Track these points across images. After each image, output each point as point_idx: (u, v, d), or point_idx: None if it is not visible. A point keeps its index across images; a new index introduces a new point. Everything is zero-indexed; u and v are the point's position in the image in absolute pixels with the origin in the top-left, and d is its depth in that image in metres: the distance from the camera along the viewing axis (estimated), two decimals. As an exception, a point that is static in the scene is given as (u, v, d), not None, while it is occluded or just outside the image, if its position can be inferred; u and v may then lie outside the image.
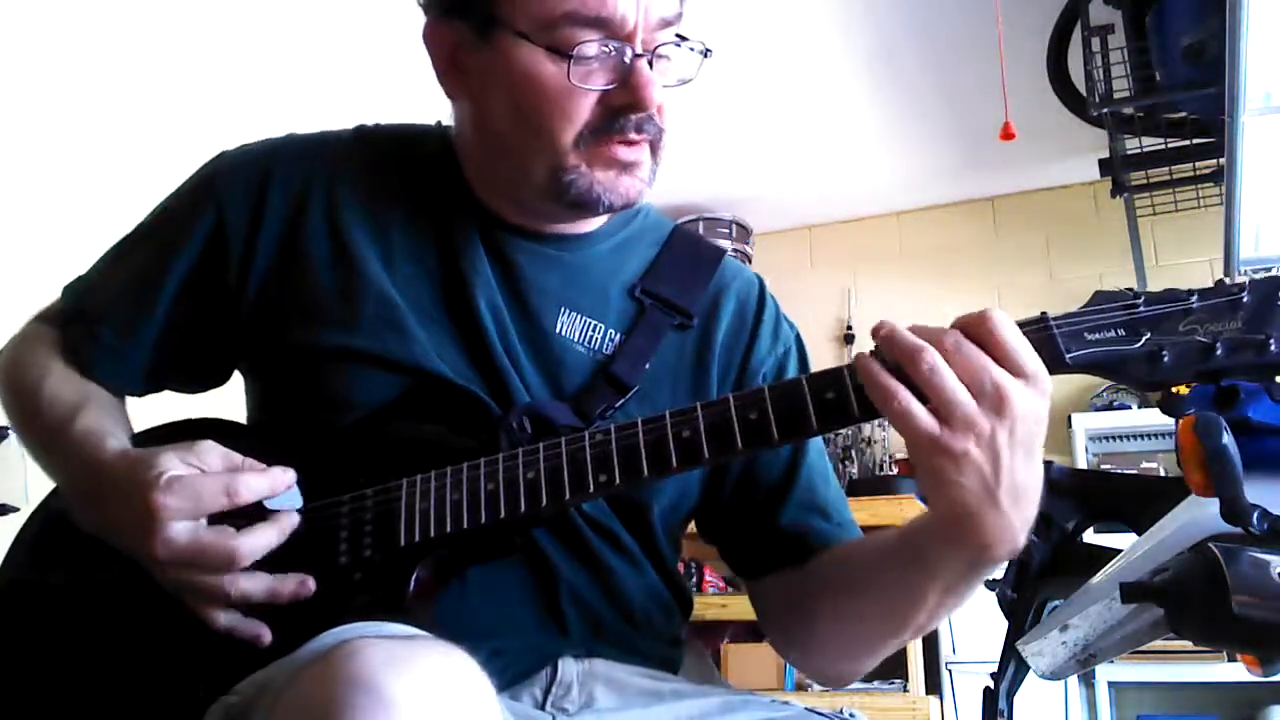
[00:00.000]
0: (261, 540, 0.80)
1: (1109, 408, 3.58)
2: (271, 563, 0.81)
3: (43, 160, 2.83)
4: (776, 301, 1.06)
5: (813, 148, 3.69)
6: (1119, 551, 1.26)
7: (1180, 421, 0.80)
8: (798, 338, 1.06)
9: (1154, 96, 2.60)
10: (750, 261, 4.06)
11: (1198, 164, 2.98)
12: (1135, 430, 3.56)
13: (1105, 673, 3.19)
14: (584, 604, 0.91)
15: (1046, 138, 3.37)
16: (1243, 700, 3.17)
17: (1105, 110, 2.67)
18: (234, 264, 0.94)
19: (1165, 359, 0.72)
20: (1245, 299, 0.73)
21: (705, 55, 0.92)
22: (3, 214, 2.71)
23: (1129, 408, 3.55)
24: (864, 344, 3.51)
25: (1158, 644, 1.02)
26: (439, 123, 1.04)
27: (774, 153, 3.70)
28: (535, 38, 0.85)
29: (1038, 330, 0.74)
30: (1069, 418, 3.57)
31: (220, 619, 0.80)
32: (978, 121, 3.36)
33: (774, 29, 2.94)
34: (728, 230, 3.99)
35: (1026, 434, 0.71)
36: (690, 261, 1.02)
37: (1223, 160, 2.64)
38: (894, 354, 0.72)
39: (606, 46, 0.86)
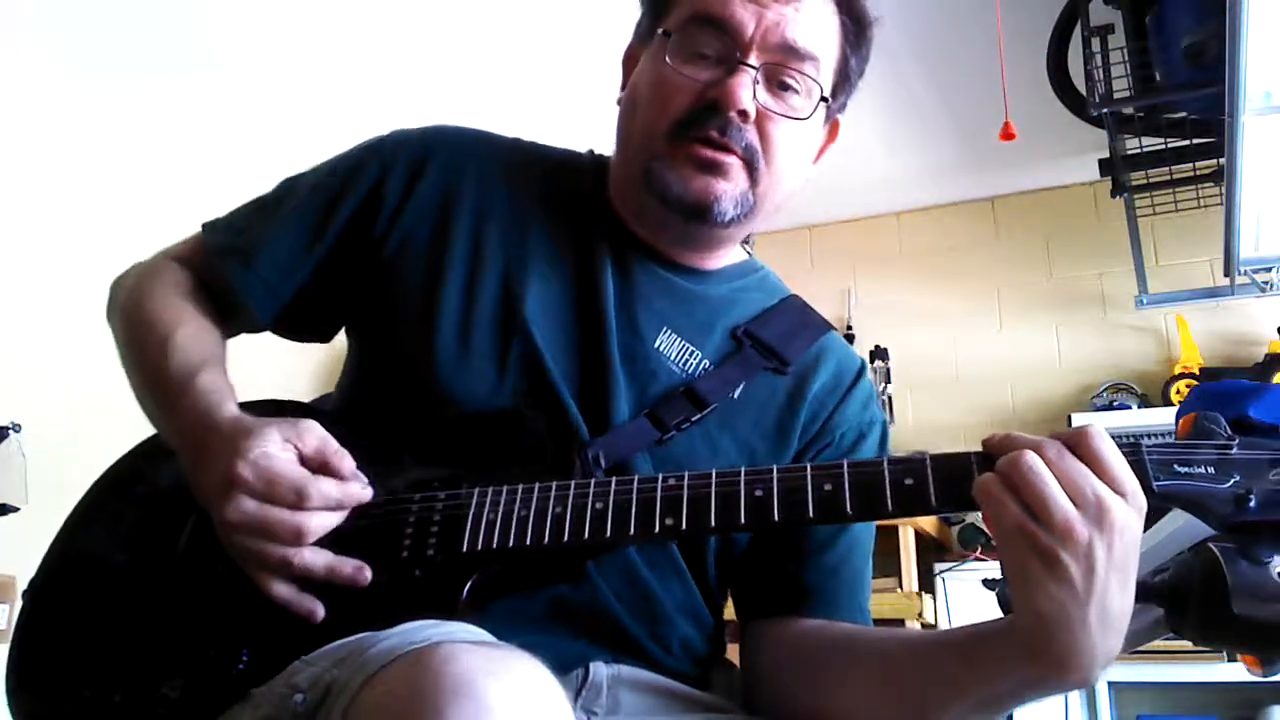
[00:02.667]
0: (330, 519, 0.82)
1: (1109, 408, 3.58)
2: (337, 545, 0.82)
3: (44, 162, 2.83)
4: (874, 387, 1.09)
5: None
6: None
7: (1180, 420, 0.80)
8: (884, 424, 1.07)
9: (1154, 96, 2.61)
10: (750, 261, 4.06)
11: (1198, 164, 2.98)
12: (1135, 430, 3.57)
13: (1105, 673, 3.18)
14: (618, 622, 0.91)
15: (1046, 138, 3.38)
16: (1243, 700, 3.17)
17: (1105, 110, 2.67)
18: (383, 222, 1.00)
19: (1251, 504, 0.72)
20: None
21: (824, 101, 0.97)
22: (6, 215, 2.71)
23: (1129, 408, 3.55)
24: (864, 344, 3.48)
25: (1158, 644, 1.02)
26: (590, 151, 1.12)
27: (774, 153, 3.70)
28: (671, 36, 0.95)
29: (1130, 453, 0.73)
30: (1069, 418, 3.57)
31: (278, 589, 0.81)
32: (978, 121, 3.36)
33: (774, 29, 2.94)
34: (728, 230, 3.99)
35: (1123, 554, 0.70)
36: (798, 323, 1.05)
37: (1223, 160, 2.65)
38: (994, 453, 0.72)
39: (723, 52, 0.93)
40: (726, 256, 1.06)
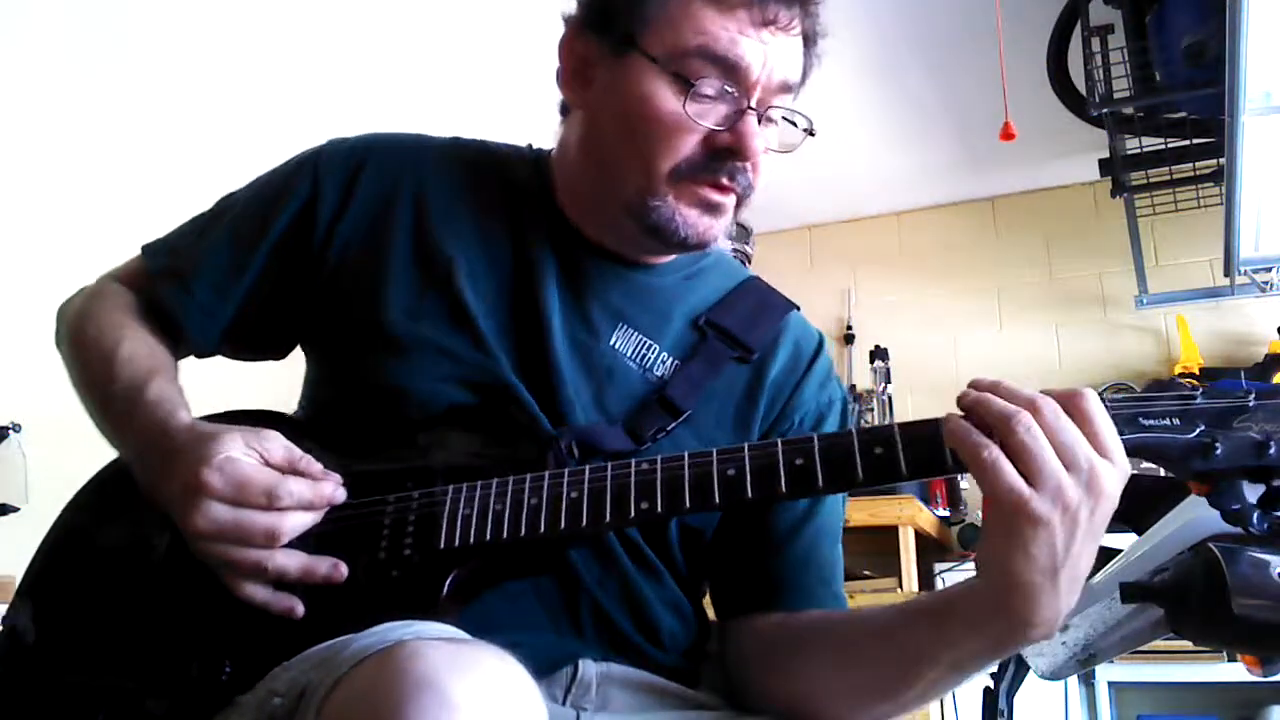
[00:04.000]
0: (303, 519, 0.82)
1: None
2: (313, 550, 0.82)
3: (46, 166, 2.83)
4: (831, 361, 1.08)
5: (813, 148, 3.67)
6: (1119, 551, 1.26)
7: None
8: (844, 400, 1.07)
9: (1154, 96, 2.60)
10: (750, 261, 4.06)
11: (1198, 164, 2.98)
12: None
13: (1105, 673, 3.19)
14: (601, 610, 0.91)
15: (1046, 138, 3.37)
16: (1243, 700, 3.17)
17: (1105, 110, 2.67)
18: (321, 232, 0.99)
19: (1218, 451, 0.73)
20: None
21: (809, 134, 0.97)
22: (8, 218, 2.71)
23: (1129, 408, 3.55)
24: (864, 344, 3.48)
25: (1158, 644, 1.03)
26: (529, 145, 1.09)
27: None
28: (663, 64, 0.89)
29: None
30: (1069, 418, 3.56)
31: (254, 592, 0.80)
32: (978, 121, 3.36)
33: (774, 29, 2.94)
34: (728, 230, 3.99)
35: (1102, 520, 0.71)
36: (759, 306, 1.05)
37: (1223, 160, 2.64)
38: (988, 417, 0.72)
39: (727, 89, 0.89)
40: None
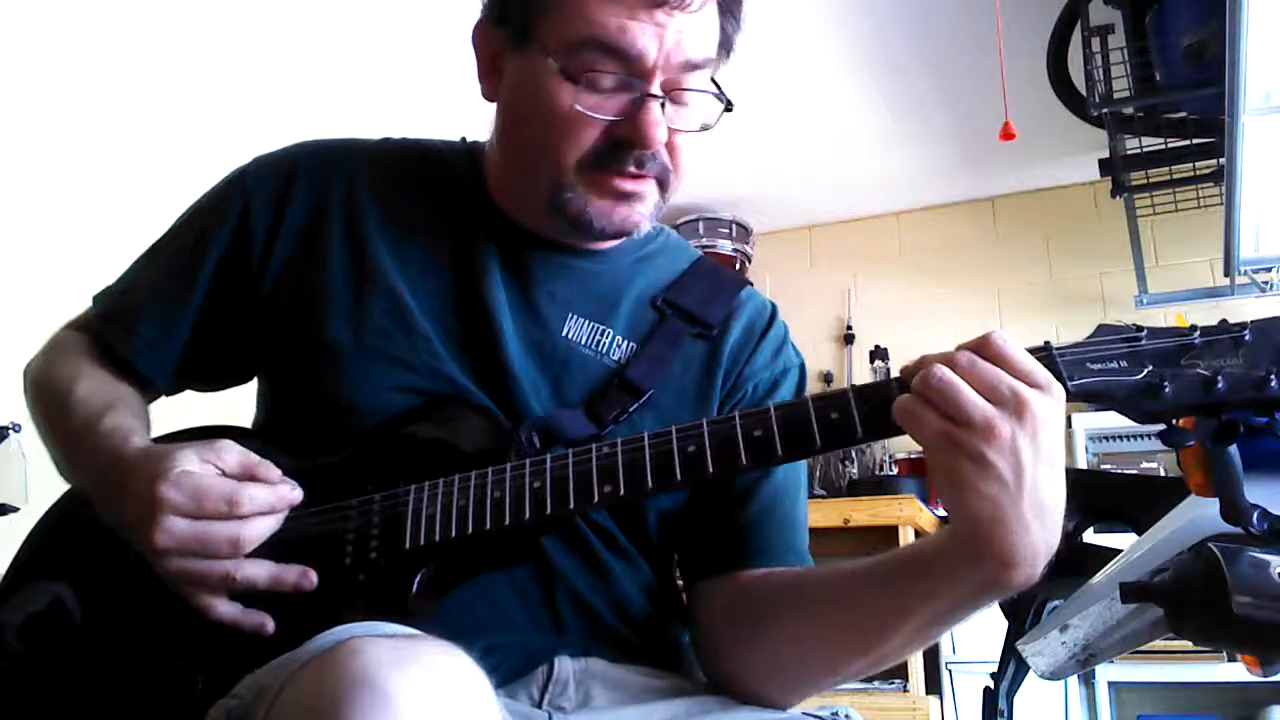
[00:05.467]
0: (265, 525, 0.81)
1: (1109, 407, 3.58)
2: (277, 560, 0.81)
3: (48, 170, 2.83)
4: (787, 328, 1.07)
5: (813, 148, 3.69)
6: (1119, 551, 1.26)
7: (1180, 421, 0.80)
8: (801, 368, 1.06)
9: (1154, 96, 2.60)
10: (750, 261, 4.06)
11: (1198, 164, 2.98)
12: (1135, 430, 3.56)
13: (1105, 673, 3.19)
14: (581, 601, 0.91)
15: (1046, 138, 3.37)
16: (1243, 700, 3.17)
17: (1105, 110, 2.67)
18: (257, 254, 0.97)
19: (1166, 390, 0.73)
20: (1247, 337, 0.74)
21: (727, 109, 0.93)
22: (10, 224, 2.71)
23: (1129, 408, 3.55)
24: (864, 344, 3.48)
25: (1158, 644, 1.03)
26: (464, 138, 1.07)
27: (774, 153, 3.70)
28: (556, 57, 0.87)
29: (1041, 357, 0.74)
30: (1069, 417, 3.56)
31: (221, 610, 0.80)
32: (978, 121, 3.36)
33: (774, 29, 2.94)
34: (728, 230, 3.99)
35: (1049, 445, 0.70)
36: (713, 284, 1.04)
37: (1223, 160, 2.64)
38: (908, 379, 0.74)
39: (623, 79, 0.87)
40: None
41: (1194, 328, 0.75)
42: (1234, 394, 0.72)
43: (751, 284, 1.07)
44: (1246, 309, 3.50)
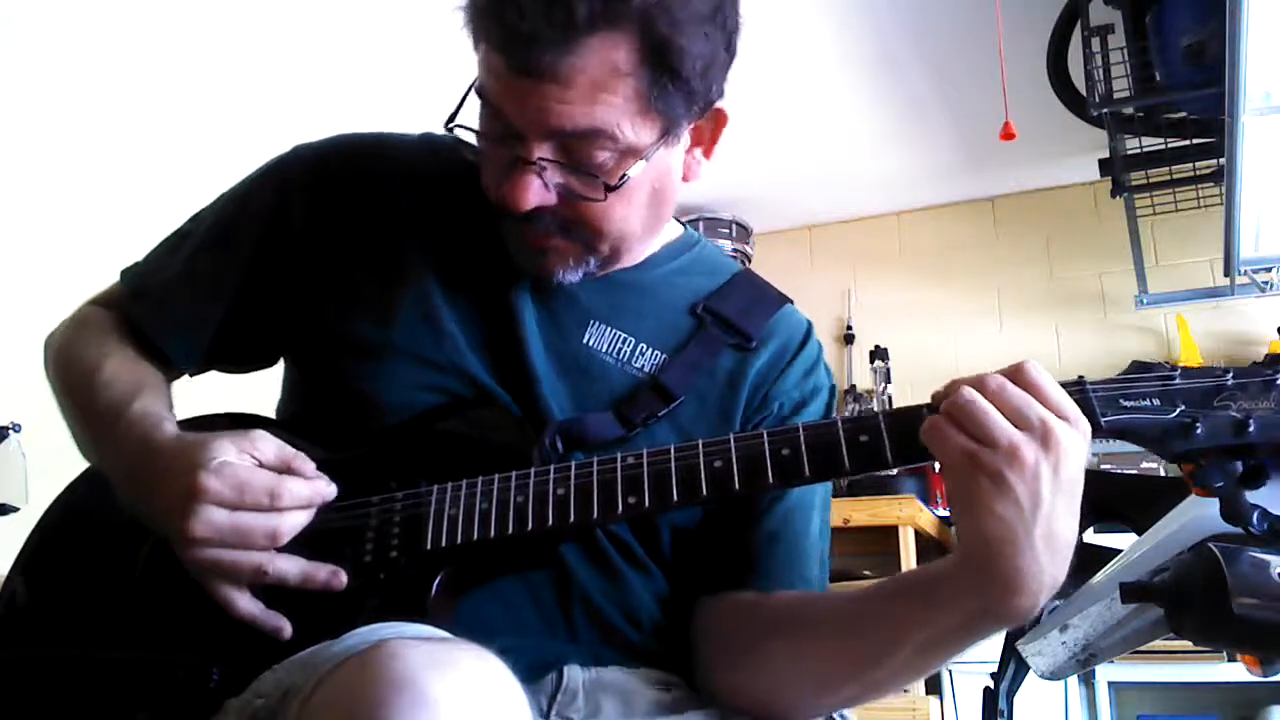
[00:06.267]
0: (300, 519, 0.81)
1: (1109, 408, 3.58)
2: (296, 554, 0.81)
3: (46, 167, 2.83)
4: (821, 349, 1.06)
5: (813, 148, 3.69)
6: (1119, 551, 1.26)
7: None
8: (832, 389, 1.05)
9: (1154, 96, 2.60)
10: (750, 261, 4.05)
11: (1198, 164, 2.98)
12: (1135, 430, 3.56)
13: (1105, 673, 3.19)
14: (594, 609, 0.91)
15: (1046, 138, 3.37)
16: (1243, 700, 3.17)
17: (1105, 110, 2.67)
18: (292, 241, 0.97)
19: (1198, 431, 0.73)
20: None
21: (608, 188, 0.85)
22: (10, 224, 2.71)
23: (1129, 408, 3.55)
24: (864, 344, 3.48)
25: (1158, 644, 1.03)
26: None
27: (774, 153, 3.70)
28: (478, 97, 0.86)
29: (1075, 392, 0.75)
30: (1069, 417, 3.56)
31: (244, 607, 0.80)
32: (978, 121, 3.36)
33: (774, 29, 2.94)
34: (728, 230, 3.99)
35: (1070, 477, 0.70)
36: (754, 296, 1.04)
37: (1223, 160, 2.64)
38: (937, 401, 0.74)
39: (502, 131, 0.84)
40: (653, 245, 1.02)
41: (1227, 370, 0.75)
42: (1265, 438, 0.73)
43: (792, 301, 1.07)
44: (1246, 309, 3.50)
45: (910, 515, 3.00)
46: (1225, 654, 2.81)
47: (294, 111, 3.05)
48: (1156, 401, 0.75)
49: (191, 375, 1.04)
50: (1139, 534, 1.23)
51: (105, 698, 0.82)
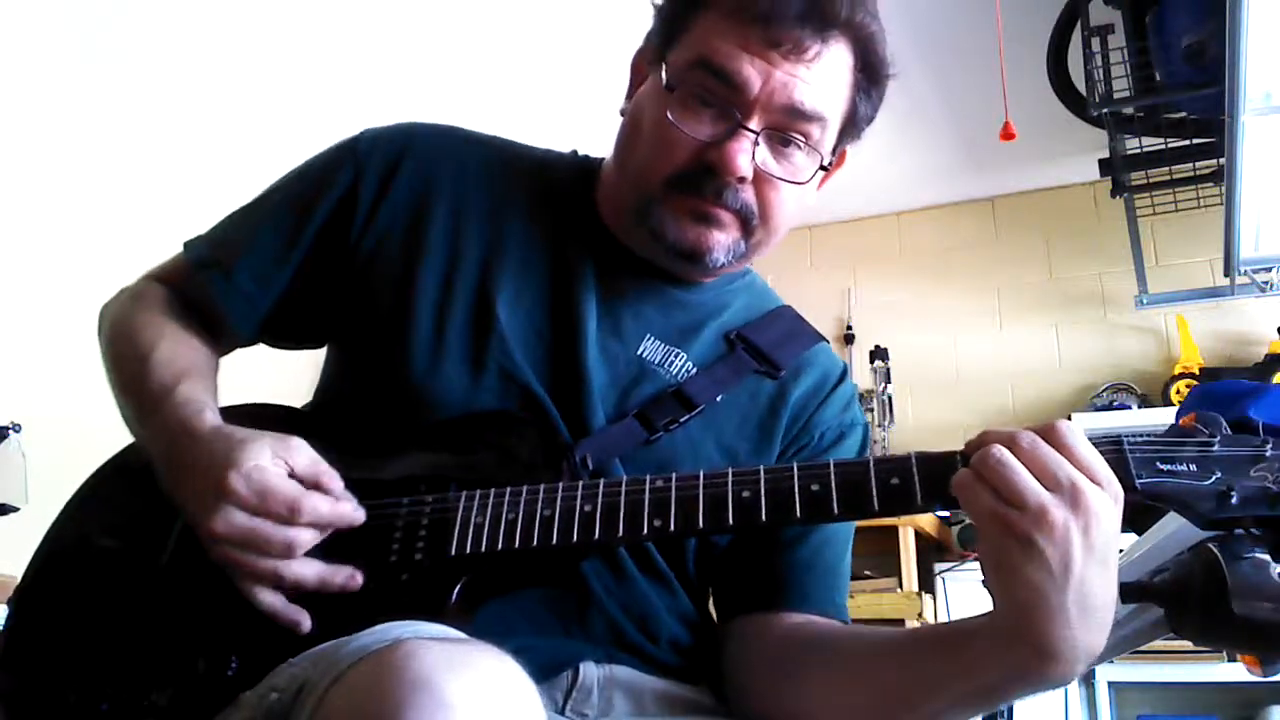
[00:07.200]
0: (317, 535, 0.82)
1: (1109, 408, 3.58)
2: (325, 550, 0.82)
3: (46, 167, 2.83)
4: (855, 389, 1.09)
5: (813, 148, 3.69)
6: (1118, 551, 1.26)
7: (1180, 421, 0.80)
8: (865, 428, 1.07)
9: (1154, 96, 2.61)
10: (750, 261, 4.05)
11: (1198, 164, 2.98)
12: (1135, 430, 3.55)
13: (1105, 673, 3.19)
14: (609, 616, 0.91)
15: (1046, 138, 3.38)
16: (1243, 700, 3.17)
17: (1105, 110, 2.67)
18: (358, 224, 0.99)
19: (1233, 499, 0.73)
20: None
21: (822, 169, 0.95)
22: (10, 224, 2.71)
23: (1129, 408, 3.55)
24: (864, 344, 3.48)
25: (1158, 644, 1.03)
26: (574, 151, 1.09)
27: (774, 153, 3.70)
28: (670, 75, 0.91)
29: (1112, 450, 0.74)
30: (1069, 418, 3.56)
31: (266, 600, 0.80)
32: (978, 121, 3.36)
33: (774, 29, 2.94)
34: (728, 230, 3.99)
35: (1102, 541, 0.69)
36: (789, 331, 1.05)
37: (1223, 160, 2.64)
38: (970, 456, 0.73)
39: (723, 107, 0.89)
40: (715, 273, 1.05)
41: (1267, 439, 0.75)
42: None
43: (828, 341, 1.09)
44: (1247, 309, 3.50)
45: (910, 515, 3.00)
46: (1225, 654, 2.81)
47: (295, 112, 3.05)
48: (1194, 467, 0.74)
49: (244, 345, 1.05)
50: (1139, 534, 1.23)
51: (123, 676, 0.83)
